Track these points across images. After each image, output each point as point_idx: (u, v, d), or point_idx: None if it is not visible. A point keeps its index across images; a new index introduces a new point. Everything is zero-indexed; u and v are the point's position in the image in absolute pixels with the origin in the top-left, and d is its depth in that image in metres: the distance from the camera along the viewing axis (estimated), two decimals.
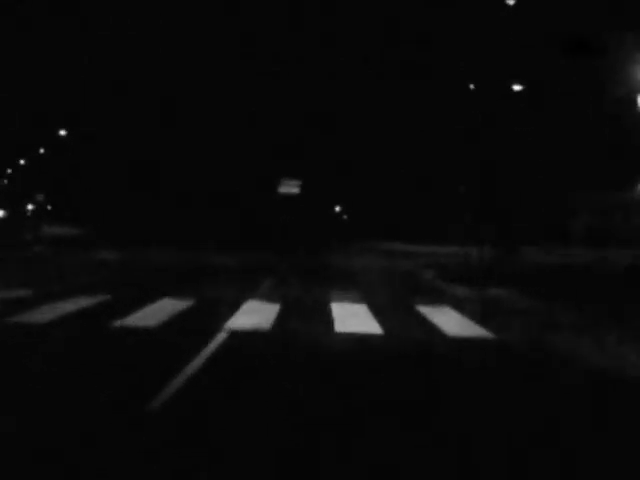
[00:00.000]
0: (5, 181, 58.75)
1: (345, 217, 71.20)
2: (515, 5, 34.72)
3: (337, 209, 69.84)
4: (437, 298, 13.52)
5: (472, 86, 37.08)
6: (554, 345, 8.36)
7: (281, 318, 9.90)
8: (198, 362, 6.65)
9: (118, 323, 8.87)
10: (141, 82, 52.99)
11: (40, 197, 57.13)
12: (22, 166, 56.13)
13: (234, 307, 10.79)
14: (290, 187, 55.37)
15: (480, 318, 10.47)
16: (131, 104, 53.49)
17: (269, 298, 12.31)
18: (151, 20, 51.05)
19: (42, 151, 53.58)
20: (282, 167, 55.97)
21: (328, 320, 9.84)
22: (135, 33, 50.65)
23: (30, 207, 65.02)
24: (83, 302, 10.81)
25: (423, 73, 51.95)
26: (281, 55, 55.10)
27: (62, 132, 48.01)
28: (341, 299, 12.50)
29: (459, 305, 12.21)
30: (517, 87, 31.30)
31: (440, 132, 53.45)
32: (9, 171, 57.22)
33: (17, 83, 46.17)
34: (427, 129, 54.51)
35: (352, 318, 10.08)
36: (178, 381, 5.84)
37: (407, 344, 8.23)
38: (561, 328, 9.68)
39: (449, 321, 10.14)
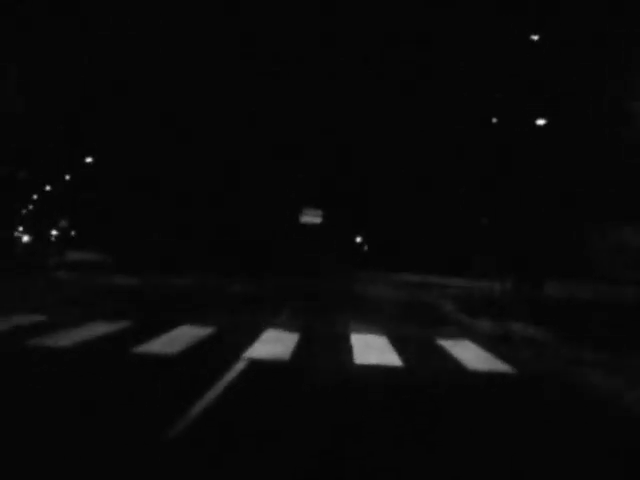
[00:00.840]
0: (30, 206, 59.60)
1: (366, 248, 71.14)
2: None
3: (358, 240, 69.84)
4: (457, 331, 13.41)
5: (495, 119, 37.13)
6: (576, 381, 8.23)
7: (300, 348, 9.87)
8: (217, 391, 6.63)
9: (137, 350, 8.88)
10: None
11: (64, 223, 57.83)
12: (47, 192, 56.98)
13: (253, 336, 10.78)
14: (312, 217, 55.54)
15: (501, 352, 10.36)
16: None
17: (288, 327, 12.29)
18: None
19: (68, 177, 54.40)
20: (305, 196, 56.22)
21: (348, 351, 9.78)
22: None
23: (54, 232, 65.82)
24: (103, 328, 10.85)
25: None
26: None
27: (88, 159, 48.76)
28: (361, 330, 12.44)
29: (480, 339, 12.10)
30: (540, 121, 31.28)
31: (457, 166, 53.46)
32: (35, 197, 58.09)
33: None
34: (441, 157, 54.57)
35: (372, 350, 10.02)
36: (196, 410, 5.83)
37: (427, 377, 8.16)
38: (584, 364, 9.54)
39: (469, 355, 10.05)
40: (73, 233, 71.26)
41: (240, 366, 8.10)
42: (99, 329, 10.66)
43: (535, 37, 37.77)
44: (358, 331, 12.25)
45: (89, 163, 49.49)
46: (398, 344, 10.71)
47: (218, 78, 53.69)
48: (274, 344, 10.05)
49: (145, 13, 52.79)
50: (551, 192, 42.61)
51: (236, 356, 8.73)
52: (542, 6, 41.31)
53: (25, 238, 58.77)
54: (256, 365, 8.27)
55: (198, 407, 5.92)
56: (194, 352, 9.02)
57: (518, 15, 42.66)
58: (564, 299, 23.48)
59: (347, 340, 10.99)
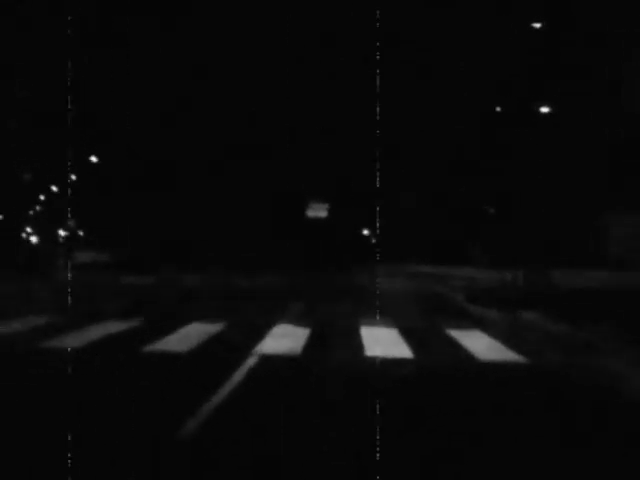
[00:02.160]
0: (38, 207, 59.75)
1: (373, 240, 71.06)
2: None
3: (365, 232, 69.78)
4: (468, 322, 13.37)
5: (498, 108, 36.97)
6: (589, 369, 8.19)
7: (311, 342, 9.87)
8: (229, 387, 6.63)
9: (149, 348, 8.90)
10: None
11: (71, 223, 57.92)
12: (54, 193, 57.10)
13: (264, 331, 10.78)
14: (318, 210, 55.50)
15: (512, 342, 10.33)
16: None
17: (299, 322, 12.29)
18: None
19: (74, 177, 54.49)
20: (310, 190, 56.15)
21: (358, 344, 9.78)
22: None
23: (62, 233, 65.95)
24: (113, 327, 10.89)
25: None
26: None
27: (93, 158, 48.81)
28: (371, 323, 12.42)
29: (490, 329, 12.06)
30: (545, 109, 31.12)
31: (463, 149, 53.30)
32: (42, 197, 58.23)
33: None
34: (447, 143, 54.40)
35: (382, 342, 10.00)
36: (209, 407, 5.82)
37: (438, 368, 8.14)
38: (598, 352, 9.50)
39: (480, 345, 10.02)
40: (81, 233, 71.43)
41: (251, 361, 8.10)
42: (109, 329, 10.69)
43: (537, 25, 37.62)
44: (368, 324, 12.24)
45: (95, 163, 49.56)
46: (408, 336, 10.69)
47: (224, 70, 53.61)
48: (285, 339, 10.06)
49: (149, 13, 52.75)
50: (564, 181, 42.45)
51: (247, 352, 8.73)
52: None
53: (33, 239, 58.94)
54: (267, 360, 8.28)
55: (210, 404, 5.91)
56: (205, 349, 9.04)
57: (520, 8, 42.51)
58: (578, 288, 23.38)
59: (357, 333, 10.98)
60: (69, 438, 4.82)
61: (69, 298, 17.10)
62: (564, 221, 44.48)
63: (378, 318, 13.36)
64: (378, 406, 6.13)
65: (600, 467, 4.61)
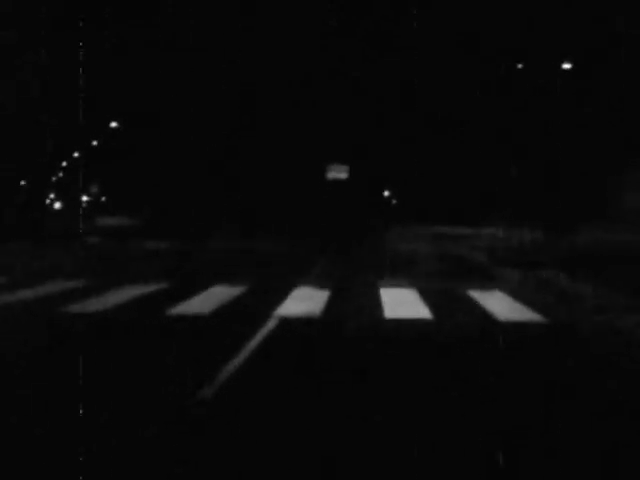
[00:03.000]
0: (60, 174, 60.22)
1: (394, 201, 70.79)
2: None
3: (386, 194, 69.50)
4: (488, 282, 13.37)
5: (520, 65, 36.29)
6: (609, 327, 8.20)
7: (331, 304, 9.95)
8: (250, 348, 6.73)
9: (172, 311, 9.04)
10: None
11: (94, 189, 58.39)
12: (76, 158, 57.43)
13: (284, 294, 10.88)
14: (338, 172, 55.31)
15: (532, 302, 10.33)
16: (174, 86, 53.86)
17: (318, 284, 12.37)
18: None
19: (95, 143, 54.72)
20: (330, 152, 55.88)
21: (378, 306, 9.84)
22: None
23: (85, 199, 66.52)
24: (137, 291, 11.05)
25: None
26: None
27: (114, 124, 48.91)
28: (390, 285, 12.47)
29: (511, 289, 12.06)
30: (567, 65, 30.51)
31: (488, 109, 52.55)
32: (64, 164, 58.61)
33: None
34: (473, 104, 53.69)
35: (402, 304, 10.06)
36: (229, 368, 5.92)
37: (457, 328, 8.18)
38: (617, 310, 9.48)
39: (500, 305, 10.04)
40: (104, 199, 72.01)
41: (272, 324, 8.21)
42: (132, 292, 10.85)
43: None
44: (388, 286, 12.29)
45: (116, 128, 49.67)
46: (428, 297, 10.73)
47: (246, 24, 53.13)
48: (305, 301, 10.15)
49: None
50: (585, 138, 41.76)
51: (267, 314, 8.84)
52: None
53: (57, 205, 59.56)
54: (287, 322, 8.38)
55: (231, 365, 6.01)
56: (226, 312, 9.16)
57: None
58: (598, 246, 23.23)
59: (377, 295, 11.04)
60: (91, 397, 4.95)
61: (94, 263, 17.35)
62: (587, 179, 43.89)
63: (398, 280, 13.40)
64: (397, 368, 6.21)
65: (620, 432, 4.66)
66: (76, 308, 9.18)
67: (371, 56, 55.14)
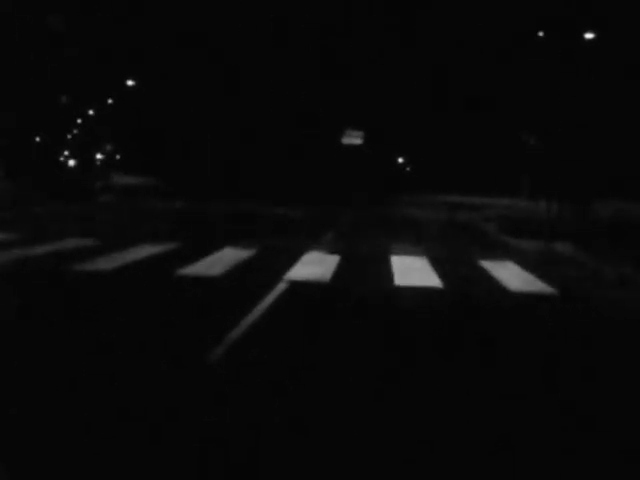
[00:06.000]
0: (75, 131, 60.14)
1: (408, 169, 70.38)
2: None
3: (400, 160, 69.05)
4: (500, 252, 13.30)
5: (541, 33, 35.48)
6: (617, 302, 8.14)
7: (341, 270, 9.93)
8: (258, 312, 6.72)
9: (182, 271, 9.04)
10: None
11: (109, 146, 58.33)
12: (91, 116, 57.29)
13: (295, 258, 10.87)
14: (353, 138, 54.96)
15: (543, 273, 10.26)
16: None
17: (329, 249, 12.35)
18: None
19: (110, 101, 54.52)
20: (345, 118, 55.45)
21: (388, 273, 9.81)
22: None
23: (99, 156, 66.57)
24: (148, 251, 11.05)
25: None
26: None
27: (129, 82, 48.60)
28: (402, 252, 12.43)
29: (522, 260, 11.99)
30: (589, 35, 29.89)
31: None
32: (79, 121, 58.50)
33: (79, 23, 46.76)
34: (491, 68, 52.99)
35: (412, 271, 10.02)
36: (238, 331, 5.91)
37: (467, 298, 8.15)
38: (629, 283, 9.41)
39: (511, 276, 9.98)
40: (118, 157, 72.04)
41: (281, 287, 8.20)
42: (144, 252, 10.86)
43: None
44: (399, 253, 12.24)
45: (131, 86, 49.38)
46: (439, 266, 10.69)
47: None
48: (315, 266, 10.13)
49: None
50: (606, 110, 41.15)
51: (277, 277, 8.83)
52: None
53: (71, 162, 59.61)
54: (297, 286, 8.37)
55: (239, 328, 6.00)
56: (237, 274, 9.15)
57: None
58: (614, 219, 23.00)
59: (387, 262, 11.01)
60: (100, 357, 4.97)
61: (105, 221, 17.38)
62: (607, 149, 43.36)
63: (409, 247, 13.35)
64: (403, 334, 6.19)
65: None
66: (86, 266, 9.15)
67: (392, 23, 54.45)
